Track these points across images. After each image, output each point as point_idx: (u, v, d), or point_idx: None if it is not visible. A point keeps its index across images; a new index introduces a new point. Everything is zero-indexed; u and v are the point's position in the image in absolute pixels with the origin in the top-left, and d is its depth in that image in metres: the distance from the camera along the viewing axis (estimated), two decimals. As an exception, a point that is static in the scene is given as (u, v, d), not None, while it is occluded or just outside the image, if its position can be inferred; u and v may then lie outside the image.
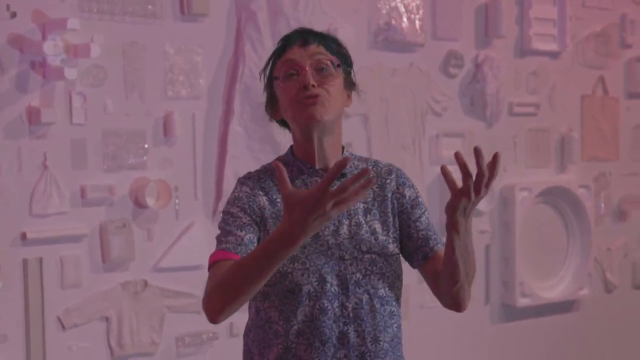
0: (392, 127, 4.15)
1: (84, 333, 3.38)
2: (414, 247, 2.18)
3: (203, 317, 3.91)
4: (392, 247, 2.14)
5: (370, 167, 2.18)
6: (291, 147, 2.21)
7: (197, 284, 3.60)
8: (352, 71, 2.23)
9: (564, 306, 4.82)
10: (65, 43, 3.23)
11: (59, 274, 3.32)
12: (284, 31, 3.77)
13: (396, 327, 2.15)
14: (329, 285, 2.07)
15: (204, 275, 3.90)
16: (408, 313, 4.14)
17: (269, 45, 3.65)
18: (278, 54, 2.17)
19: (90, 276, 3.38)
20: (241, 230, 2.06)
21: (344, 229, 2.11)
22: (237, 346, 3.63)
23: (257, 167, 2.24)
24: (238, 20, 3.68)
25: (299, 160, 2.16)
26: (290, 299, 2.08)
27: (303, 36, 2.15)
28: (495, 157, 1.91)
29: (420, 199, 2.22)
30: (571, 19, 4.72)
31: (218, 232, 2.12)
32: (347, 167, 2.17)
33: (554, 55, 4.72)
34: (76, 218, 3.34)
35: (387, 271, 2.12)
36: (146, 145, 3.49)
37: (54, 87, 3.28)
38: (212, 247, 2.13)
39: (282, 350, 2.09)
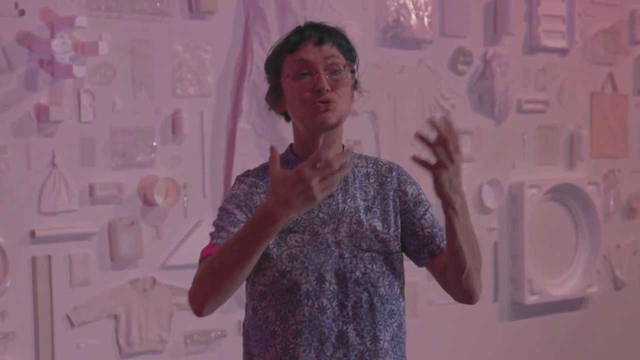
0: (400, 124, 4.15)
1: (93, 331, 3.38)
2: (419, 246, 2.15)
3: (212, 315, 3.90)
4: (393, 245, 2.12)
5: (370, 164, 2.19)
6: (291, 145, 2.19)
7: (206, 281, 3.60)
8: (357, 67, 2.19)
9: (572, 304, 4.81)
10: (74, 41, 3.23)
11: (67, 271, 3.32)
12: (292, 28, 3.79)
13: (396, 325, 2.12)
14: (327, 283, 2.05)
15: (212, 273, 3.82)
16: (416, 310, 4.14)
17: (277, 43, 3.65)
18: (290, 49, 2.11)
19: (99, 274, 3.39)
20: (234, 227, 2.05)
21: (344, 227, 2.08)
22: (245, 344, 3.64)
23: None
24: (246, 17, 3.68)
25: (299, 158, 2.13)
26: (288, 298, 2.06)
27: (317, 33, 2.10)
28: (445, 120, 1.90)
29: (422, 196, 2.18)
30: (580, 16, 4.70)
31: (213, 229, 2.11)
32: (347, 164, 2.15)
33: (563, 52, 4.71)
34: (85, 216, 3.35)
35: (388, 269, 2.10)
36: (154, 143, 3.49)
37: (62, 85, 3.28)
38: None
39: (281, 351, 2.07)
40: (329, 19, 3.82)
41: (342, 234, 2.08)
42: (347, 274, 2.06)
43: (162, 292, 3.51)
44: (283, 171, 1.84)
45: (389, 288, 2.10)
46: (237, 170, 3.62)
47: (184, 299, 3.52)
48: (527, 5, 4.56)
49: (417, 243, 2.15)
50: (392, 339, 2.11)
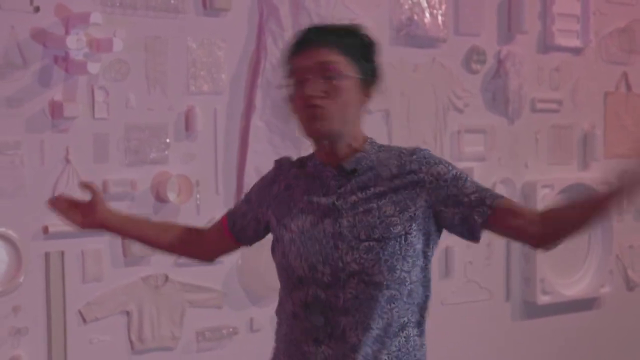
0: (413, 122, 4.14)
1: (105, 327, 3.39)
2: (467, 213, 2.04)
3: (224, 312, 3.91)
4: (399, 229, 2.03)
5: (394, 153, 2.12)
6: None
7: (218, 278, 3.61)
8: (375, 64, 2.14)
9: (585, 304, 4.80)
10: (88, 37, 3.23)
11: (80, 267, 3.33)
12: (306, 26, 3.79)
13: (396, 312, 2.06)
14: (320, 274, 2.04)
15: (224, 270, 3.90)
16: (429, 309, 4.13)
17: (291, 40, 3.65)
18: (290, 55, 2.09)
19: (112, 270, 3.40)
20: (241, 216, 2.35)
21: (349, 218, 2.05)
22: (257, 341, 3.64)
23: None
24: (260, 14, 3.68)
25: (316, 157, 2.17)
26: (287, 278, 2.12)
27: (317, 37, 2.06)
28: None
29: (455, 171, 2.08)
30: (595, 15, 4.69)
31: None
32: (368, 160, 2.10)
33: (577, 51, 4.69)
34: (98, 212, 3.35)
35: (386, 254, 2.01)
36: (168, 140, 3.50)
37: (76, 82, 3.29)
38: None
39: (288, 329, 2.13)
40: (342, 17, 3.85)
41: (342, 224, 2.05)
42: (341, 265, 2.03)
43: (174, 289, 3.52)
44: None
45: (388, 274, 2.03)
46: (250, 167, 3.62)
47: (196, 296, 3.55)
48: (542, 4, 4.55)
49: (465, 211, 2.05)
50: (386, 327, 2.05)
